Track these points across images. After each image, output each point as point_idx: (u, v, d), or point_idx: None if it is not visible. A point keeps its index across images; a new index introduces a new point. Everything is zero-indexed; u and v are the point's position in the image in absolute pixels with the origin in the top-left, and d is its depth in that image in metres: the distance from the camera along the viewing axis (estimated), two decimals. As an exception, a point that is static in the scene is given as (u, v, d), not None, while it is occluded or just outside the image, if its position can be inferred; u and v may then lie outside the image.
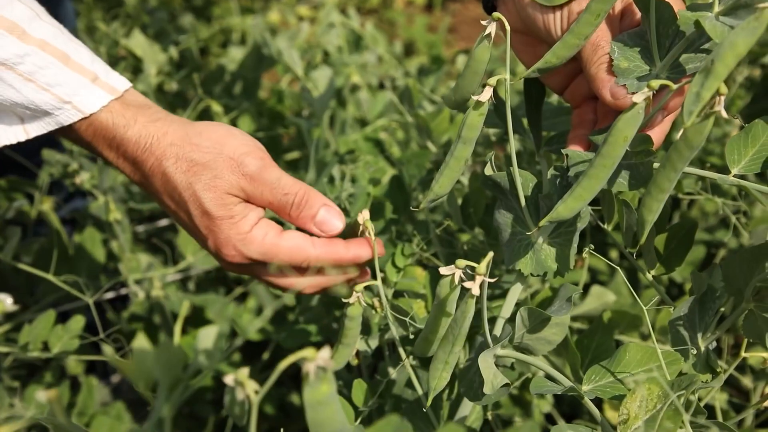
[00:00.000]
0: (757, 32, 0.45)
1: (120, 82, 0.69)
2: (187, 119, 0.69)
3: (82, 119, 0.66)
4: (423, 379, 0.71)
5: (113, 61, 1.46)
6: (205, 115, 1.43)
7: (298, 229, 0.69)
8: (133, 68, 1.54)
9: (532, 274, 0.61)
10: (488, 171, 0.63)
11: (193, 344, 0.63)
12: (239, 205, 0.65)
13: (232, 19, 1.92)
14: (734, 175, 0.57)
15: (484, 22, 0.58)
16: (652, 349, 0.60)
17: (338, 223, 0.68)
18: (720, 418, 0.79)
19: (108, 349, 0.42)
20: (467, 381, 0.62)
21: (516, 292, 0.65)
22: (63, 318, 1.00)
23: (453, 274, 0.55)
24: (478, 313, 0.58)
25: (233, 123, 1.45)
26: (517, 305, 0.64)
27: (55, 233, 1.13)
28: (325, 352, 0.39)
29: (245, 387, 0.39)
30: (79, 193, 1.43)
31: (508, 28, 0.56)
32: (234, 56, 1.70)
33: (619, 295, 1.04)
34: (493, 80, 0.57)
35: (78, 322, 0.98)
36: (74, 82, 0.65)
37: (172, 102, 1.50)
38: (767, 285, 0.56)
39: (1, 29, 0.61)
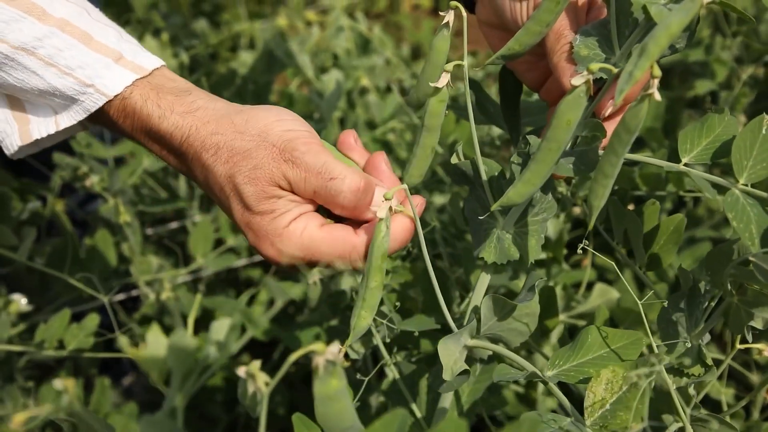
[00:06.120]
0: (691, 12, 0.45)
1: (149, 60, 0.63)
2: (236, 103, 0.63)
3: (111, 105, 0.62)
4: (413, 380, 0.70)
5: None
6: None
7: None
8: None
9: (495, 263, 0.60)
10: (454, 160, 0.62)
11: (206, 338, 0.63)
12: (282, 200, 0.59)
13: (240, 24, 1.94)
14: (684, 164, 0.57)
15: (442, 13, 0.57)
16: (613, 331, 0.59)
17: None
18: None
19: (123, 340, 0.43)
20: (435, 370, 0.61)
21: (485, 281, 0.63)
22: (75, 320, 1.02)
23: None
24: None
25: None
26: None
27: (69, 235, 1.15)
28: (335, 346, 0.39)
29: (257, 379, 0.39)
30: (96, 195, 1.44)
31: (464, 14, 0.56)
32: (244, 60, 1.71)
33: (625, 293, 1.04)
34: (450, 66, 0.56)
35: (93, 320, 1.00)
36: (97, 64, 0.60)
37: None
38: (743, 280, 0.56)
39: (18, 10, 0.58)
